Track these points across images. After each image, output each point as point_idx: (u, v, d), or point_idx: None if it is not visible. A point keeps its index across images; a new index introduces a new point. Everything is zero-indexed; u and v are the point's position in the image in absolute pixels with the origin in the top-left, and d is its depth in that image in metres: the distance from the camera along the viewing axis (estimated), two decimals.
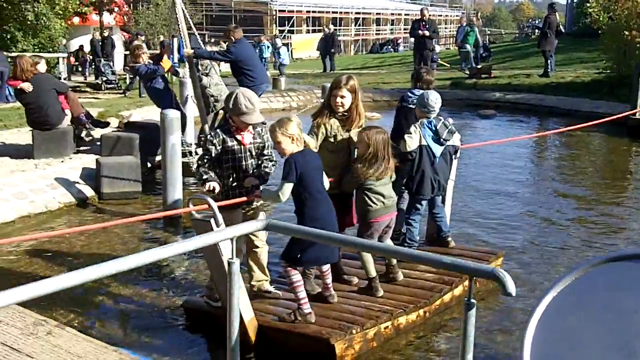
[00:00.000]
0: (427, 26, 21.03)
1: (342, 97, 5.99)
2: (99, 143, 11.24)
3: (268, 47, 30.60)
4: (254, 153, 5.72)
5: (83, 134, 11.58)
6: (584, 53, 25.52)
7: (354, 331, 5.34)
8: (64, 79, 22.85)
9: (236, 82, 11.32)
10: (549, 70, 21.82)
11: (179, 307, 6.31)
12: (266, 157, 5.80)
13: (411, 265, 6.45)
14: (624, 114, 13.88)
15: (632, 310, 2.59)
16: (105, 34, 32.94)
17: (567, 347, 2.68)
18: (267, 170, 5.75)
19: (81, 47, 32.71)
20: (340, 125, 6.09)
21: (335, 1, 63.99)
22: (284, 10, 59.93)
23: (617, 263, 2.73)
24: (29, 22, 22.54)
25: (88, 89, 24.60)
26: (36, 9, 21.96)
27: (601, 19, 19.72)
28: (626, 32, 18.62)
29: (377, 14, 68.98)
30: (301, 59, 48.30)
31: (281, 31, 59.61)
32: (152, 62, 11.22)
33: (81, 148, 11.64)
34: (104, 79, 24.65)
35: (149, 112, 15.19)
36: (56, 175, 10.11)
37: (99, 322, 6.20)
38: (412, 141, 6.53)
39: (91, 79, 28.17)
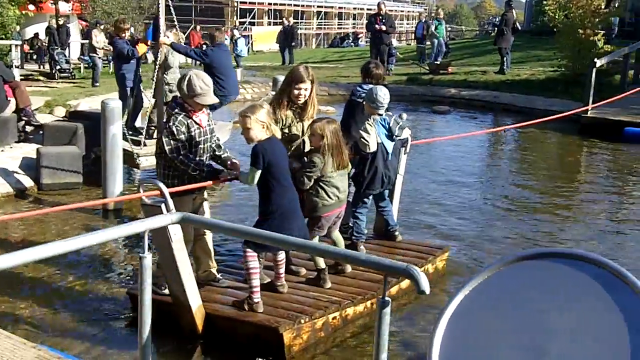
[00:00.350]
0: (383, 20, 20.91)
1: (305, 89, 5.98)
2: (41, 132, 10.94)
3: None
4: (208, 135, 5.69)
5: (20, 125, 11.26)
6: (541, 51, 25.60)
7: (302, 321, 5.33)
8: (16, 66, 22.29)
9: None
10: (504, 67, 21.88)
11: (125, 294, 6.21)
12: (216, 137, 5.85)
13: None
14: (574, 111, 13.94)
15: (540, 310, 2.50)
16: (61, 22, 32.31)
17: (476, 346, 2.59)
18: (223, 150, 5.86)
19: (36, 34, 32.06)
20: (294, 116, 6.05)
21: None
22: (246, 2, 59.46)
23: (527, 262, 2.64)
24: None
25: (41, 78, 24.05)
26: None
27: (557, 17, 19.79)
28: (580, 31, 18.75)
29: (339, 8, 68.85)
30: (262, 52, 47.93)
31: (242, 23, 59.18)
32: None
33: (23, 137, 11.31)
34: (58, 67, 24.10)
35: (98, 102, 14.85)
36: None
37: (32, 316, 6.04)
38: (372, 141, 6.44)
39: (46, 67, 27.59)
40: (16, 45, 25.43)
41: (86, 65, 25.15)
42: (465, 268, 7.27)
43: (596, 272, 2.46)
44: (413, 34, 28.00)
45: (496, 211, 9.56)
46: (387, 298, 2.74)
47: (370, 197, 6.84)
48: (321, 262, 5.96)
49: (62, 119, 12.38)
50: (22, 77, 21.84)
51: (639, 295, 2.31)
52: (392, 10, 78.37)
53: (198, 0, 59.10)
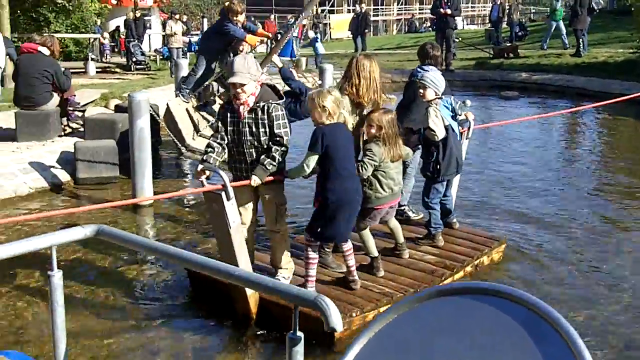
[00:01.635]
0: (449, 4, 20.13)
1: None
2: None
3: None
4: (254, 129, 5.44)
5: (65, 120, 11.20)
6: (623, 32, 24.26)
7: (353, 314, 5.31)
8: (92, 59, 22.54)
9: None
10: (581, 49, 20.80)
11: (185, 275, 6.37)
12: (277, 140, 5.45)
13: (413, 246, 6.51)
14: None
15: (450, 354, 2.00)
16: (138, 15, 32.67)
17: None
18: (275, 155, 5.42)
19: (117, 27, 32.51)
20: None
21: None
22: None
23: (444, 298, 2.13)
24: (59, 4, 22.41)
25: (118, 70, 24.27)
26: None
27: None
28: None
29: None
30: (341, 39, 47.40)
31: (322, 10, 58.78)
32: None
33: (67, 131, 11.24)
34: (134, 59, 24.24)
35: (155, 94, 14.70)
36: (32, 160, 9.76)
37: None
38: (439, 129, 6.27)
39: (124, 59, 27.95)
40: (95, 39, 25.94)
41: (161, 57, 25.23)
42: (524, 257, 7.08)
43: (525, 316, 1.94)
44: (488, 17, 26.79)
45: (577, 193, 9.42)
46: (298, 333, 2.28)
47: (444, 184, 6.70)
48: (374, 251, 5.95)
49: (105, 113, 12.19)
50: (99, 70, 22.17)
51: (570, 350, 1.78)
52: None
53: None
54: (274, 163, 5.40)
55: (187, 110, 10.22)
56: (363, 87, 5.92)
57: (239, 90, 5.32)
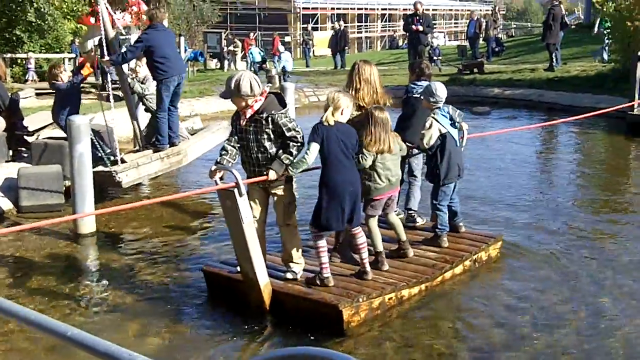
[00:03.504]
0: (420, 20, 20.05)
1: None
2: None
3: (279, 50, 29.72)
4: (258, 136, 5.97)
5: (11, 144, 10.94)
6: (598, 45, 24.16)
7: (360, 299, 5.84)
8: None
9: None
10: (554, 64, 20.69)
11: (200, 272, 6.88)
12: (291, 140, 5.98)
13: (416, 244, 7.04)
14: (612, 109, 12.83)
15: None
16: (112, 35, 32.41)
17: None
18: (291, 150, 5.98)
19: (95, 47, 32.28)
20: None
21: None
22: (308, 8, 59.20)
23: None
24: (33, 24, 22.21)
25: (92, 90, 23.96)
26: (42, 10, 21.50)
27: (605, 9, 18.39)
28: (629, 23, 17.43)
29: (403, 9, 67.59)
30: (324, 56, 47.29)
31: (305, 29, 58.71)
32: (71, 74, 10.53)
33: (14, 157, 10.96)
34: (110, 79, 23.83)
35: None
36: None
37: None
38: (429, 137, 6.80)
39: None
40: (69, 59, 25.69)
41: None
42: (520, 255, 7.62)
43: None
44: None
45: (550, 205, 9.61)
46: None
47: (451, 187, 7.13)
48: (379, 246, 6.47)
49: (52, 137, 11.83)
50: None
51: None
52: (457, 10, 76.94)
53: (262, 8, 59.10)
54: (290, 157, 5.95)
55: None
56: (364, 90, 6.56)
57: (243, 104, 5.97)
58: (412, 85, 7.58)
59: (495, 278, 7.08)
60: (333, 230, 6.30)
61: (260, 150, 5.97)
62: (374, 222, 6.47)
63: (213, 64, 35.29)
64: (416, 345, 5.65)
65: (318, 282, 6.04)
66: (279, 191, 6.15)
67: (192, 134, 11.14)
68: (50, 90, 15.86)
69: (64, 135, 9.58)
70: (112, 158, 9.49)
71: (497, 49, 27.85)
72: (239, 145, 6.11)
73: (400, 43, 51.32)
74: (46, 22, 22.47)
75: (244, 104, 5.92)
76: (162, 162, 10.05)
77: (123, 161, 9.47)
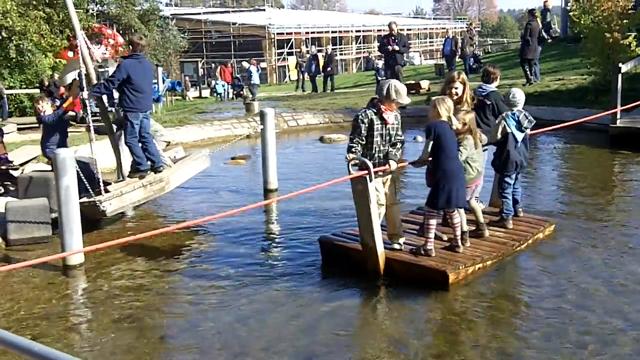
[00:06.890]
0: (396, 41, 20.11)
1: (456, 88, 8.01)
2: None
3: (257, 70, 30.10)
4: (391, 132, 7.48)
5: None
6: (577, 59, 24.27)
7: (460, 267, 7.28)
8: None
9: None
10: (533, 78, 20.79)
11: (316, 241, 8.35)
12: (398, 138, 7.60)
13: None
14: (590, 117, 12.89)
15: None
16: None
17: None
18: (398, 146, 7.60)
19: (74, 81, 32.09)
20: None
21: (335, 20, 63.34)
22: (283, 33, 59.49)
23: None
24: (13, 60, 22.06)
25: (73, 122, 23.74)
26: (21, 46, 21.36)
27: (582, 21, 18.48)
28: (607, 35, 17.56)
29: (377, 31, 68.12)
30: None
31: (280, 53, 58.98)
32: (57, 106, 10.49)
33: (1, 191, 10.81)
34: (91, 112, 23.70)
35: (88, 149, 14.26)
36: None
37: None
38: (495, 133, 8.26)
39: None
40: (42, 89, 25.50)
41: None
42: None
43: None
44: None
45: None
46: None
47: (512, 178, 8.50)
48: (464, 226, 7.77)
49: (39, 170, 11.72)
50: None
51: None
52: (432, 29, 77.52)
53: (237, 35, 59.27)
54: (398, 154, 7.58)
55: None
56: (466, 92, 8.00)
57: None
58: (479, 90, 8.79)
59: (549, 254, 8.18)
60: (451, 207, 7.38)
61: (389, 143, 7.48)
62: (473, 203, 7.98)
63: (190, 93, 35.36)
64: (498, 298, 6.97)
65: (423, 252, 7.42)
66: (392, 175, 7.67)
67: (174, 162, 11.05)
68: (33, 125, 15.80)
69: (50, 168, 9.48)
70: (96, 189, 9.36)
71: (474, 66, 27.96)
72: (369, 141, 7.36)
73: (376, 63, 51.67)
74: (24, 58, 22.39)
75: (394, 105, 7.36)
76: (145, 190, 9.96)
77: (107, 191, 9.37)
